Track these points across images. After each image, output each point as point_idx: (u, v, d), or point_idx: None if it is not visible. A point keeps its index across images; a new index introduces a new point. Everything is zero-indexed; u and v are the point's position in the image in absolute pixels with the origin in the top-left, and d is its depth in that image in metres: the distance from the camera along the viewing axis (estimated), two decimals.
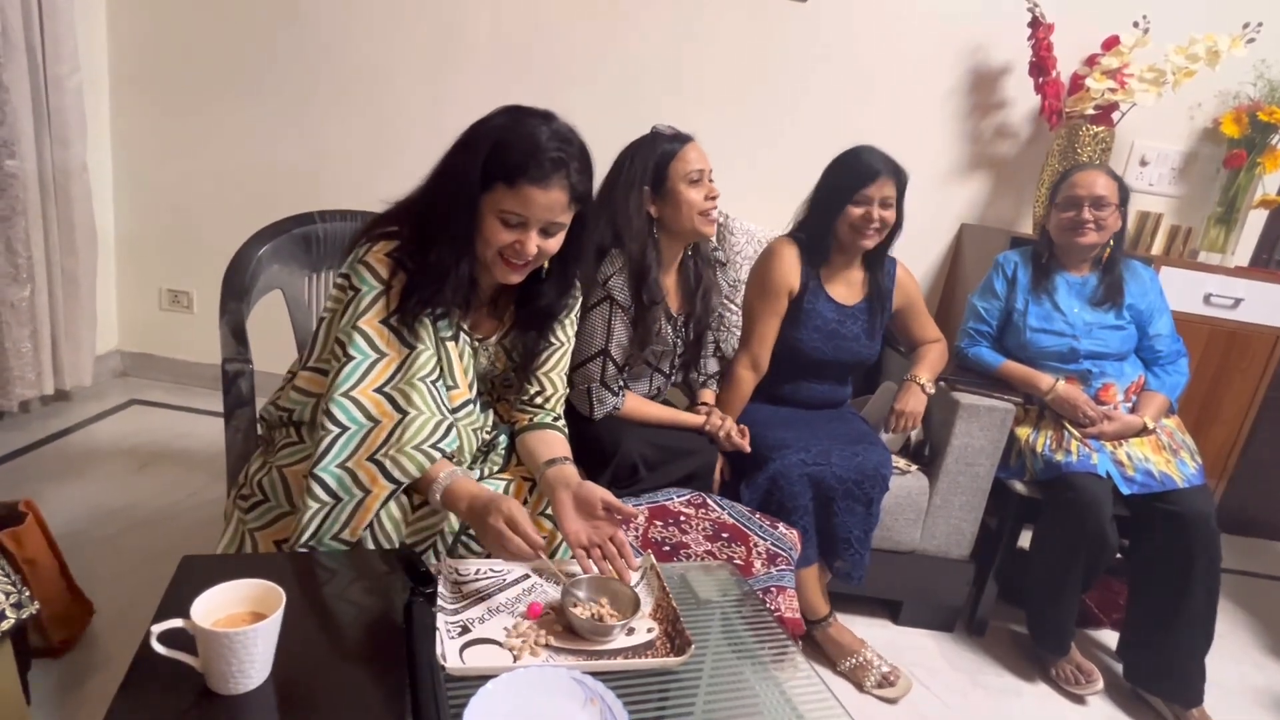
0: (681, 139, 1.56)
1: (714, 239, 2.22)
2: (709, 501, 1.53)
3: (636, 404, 1.62)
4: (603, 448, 1.50)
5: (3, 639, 1.01)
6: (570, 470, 1.15)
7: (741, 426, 1.69)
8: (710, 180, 1.57)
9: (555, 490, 1.09)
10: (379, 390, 1.08)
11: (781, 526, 1.53)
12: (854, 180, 1.68)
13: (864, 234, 1.70)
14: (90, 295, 2.45)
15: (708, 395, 1.80)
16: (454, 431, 1.13)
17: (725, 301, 2.19)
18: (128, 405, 2.63)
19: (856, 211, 1.69)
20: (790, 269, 1.76)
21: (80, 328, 2.44)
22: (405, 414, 1.07)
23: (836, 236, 1.74)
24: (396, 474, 1.05)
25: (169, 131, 2.60)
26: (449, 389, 1.16)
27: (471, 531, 1.10)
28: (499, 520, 0.98)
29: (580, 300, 1.34)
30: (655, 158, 1.54)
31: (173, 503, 2.02)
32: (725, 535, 1.46)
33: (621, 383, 1.59)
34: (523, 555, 0.99)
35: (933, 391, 1.82)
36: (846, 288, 1.83)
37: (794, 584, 1.51)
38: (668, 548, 1.43)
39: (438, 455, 1.08)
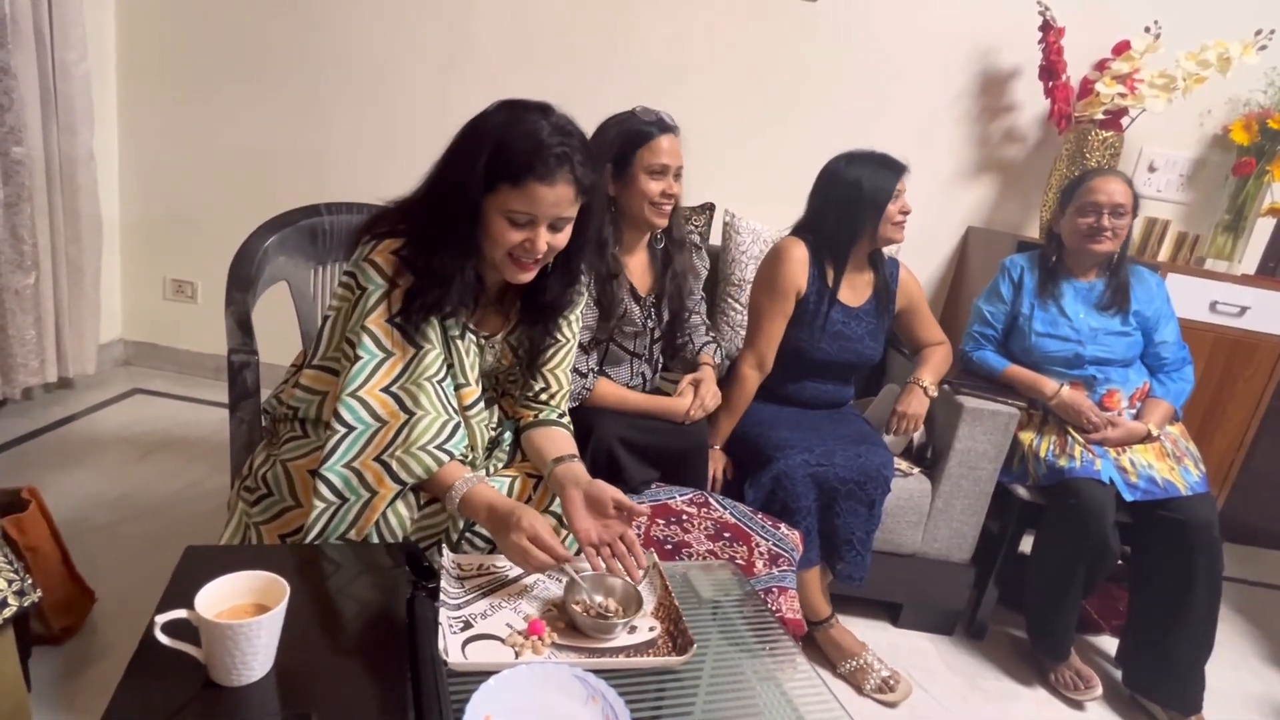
0: (661, 126, 1.50)
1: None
2: (711, 501, 1.53)
3: (610, 389, 1.57)
4: (577, 437, 1.43)
5: (5, 626, 1.01)
6: (579, 468, 1.14)
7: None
8: (676, 178, 1.53)
9: (565, 488, 1.09)
10: (386, 390, 1.08)
11: (783, 527, 1.53)
12: (893, 177, 1.71)
13: (902, 228, 1.75)
14: (94, 284, 2.45)
15: (706, 357, 1.76)
16: (462, 431, 1.12)
17: (729, 300, 2.19)
18: (130, 394, 2.63)
19: (895, 206, 1.72)
20: (799, 270, 1.75)
21: (84, 316, 2.45)
22: (412, 414, 1.07)
23: (874, 237, 1.74)
24: (403, 475, 1.05)
25: (176, 120, 2.60)
26: (460, 387, 1.16)
27: (477, 528, 1.10)
28: (521, 537, 0.97)
29: (585, 296, 1.33)
30: (625, 138, 1.50)
31: (174, 492, 2.02)
32: (727, 535, 1.46)
33: (591, 367, 1.56)
34: (546, 568, 0.99)
35: (935, 394, 1.82)
36: (852, 289, 1.83)
37: (795, 585, 1.51)
38: (670, 546, 1.43)
39: (446, 457, 1.07)
